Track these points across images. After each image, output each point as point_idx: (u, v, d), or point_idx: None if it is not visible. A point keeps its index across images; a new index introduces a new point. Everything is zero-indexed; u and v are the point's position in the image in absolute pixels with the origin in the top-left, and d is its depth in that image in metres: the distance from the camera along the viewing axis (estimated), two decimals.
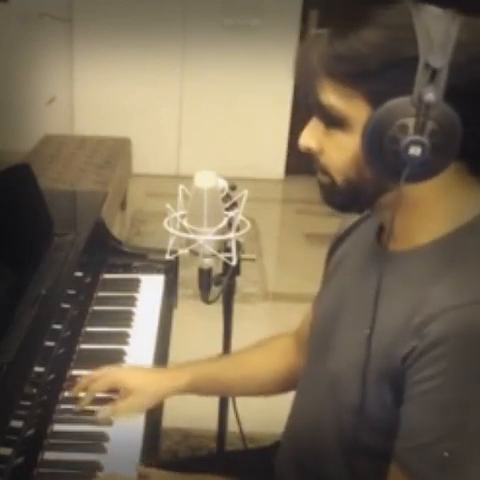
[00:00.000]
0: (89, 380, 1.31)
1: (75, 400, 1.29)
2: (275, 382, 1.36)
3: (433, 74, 0.86)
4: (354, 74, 0.89)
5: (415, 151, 0.87)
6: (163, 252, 1.40)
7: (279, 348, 1.37)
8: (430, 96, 0.86)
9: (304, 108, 1.01)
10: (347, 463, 1.07)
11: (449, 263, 0.94)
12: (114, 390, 1.30)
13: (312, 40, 0.97)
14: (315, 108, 0.96)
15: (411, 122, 0.87)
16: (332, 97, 0.92)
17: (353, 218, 1.20)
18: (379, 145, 0.89)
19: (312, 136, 0.98)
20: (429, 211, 0.96)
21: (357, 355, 1.00)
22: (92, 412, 1.26)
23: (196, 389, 1.34)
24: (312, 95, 0.95)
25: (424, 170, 0.90)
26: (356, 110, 0.91)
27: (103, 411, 1.26)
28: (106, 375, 1.32)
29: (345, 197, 0.99)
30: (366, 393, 0.98)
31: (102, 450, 1.18)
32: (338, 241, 1.22)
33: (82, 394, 1.30)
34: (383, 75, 0.88)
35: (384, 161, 0.90)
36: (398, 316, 0.94)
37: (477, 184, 0.98)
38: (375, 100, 0.89)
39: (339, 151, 0.95)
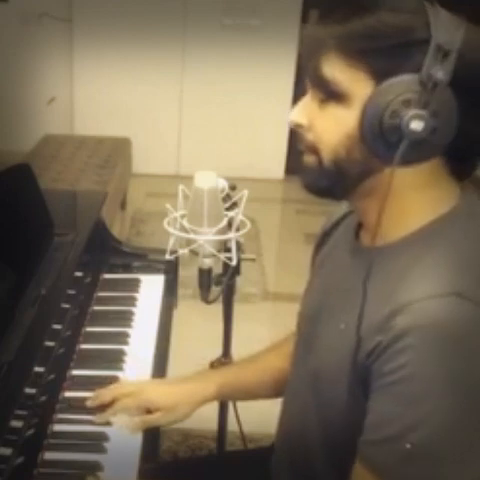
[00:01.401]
0: (112, 396, 1.28)
1: (71, 400, 1.29)
2: (284, 384, 1.35)
3: (443, 57, 0.87)
4: (365, 50, 0.90)
5: (417, 125, 0.88)
6: (163, 252, 1.39)
7: (287, 349, 1.37)
8: (440, 74, 0.87)
9: (303, 88, 1.01)
10: (331, 460, 1.07)
11: (417, 257, 0.94)
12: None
13: (323, 17, 0.97)
14: (314, 82, 0.97)
15: (415, 98, 0.88)
16: (337, 70, 0.93)
17: (338, 214, 1.20)
18: (380, 119, 0.90)
19: (303, 112, 0.99)
20: (405, 205, 0.97)
21: (334, 351, 1.01)
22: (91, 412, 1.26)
23: (223, 396, 1.35)
24: (314, 69, 0.95)
25: (418, 151, 0.90)
26: (359, 85, 0.92)
27: (134, 425, 1.24)
28: (134, 394, 1.28)
29: (328, 179, 0.98)
30: (341, 391, 0.99)
31: (102, 450, 1.18)
32: (323, 238, 1.23)
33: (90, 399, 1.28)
34: (393, 54, 0.89)
35: (382, 135, 0.90)
36: (367, 312, 0.94)
37: (450, 180, 0.99)
38: (380, 77, 0.90)
39: (333, 125, 0.95)
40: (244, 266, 1.45)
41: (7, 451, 1.08)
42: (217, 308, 1.52)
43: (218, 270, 1.43)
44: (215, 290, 1.42)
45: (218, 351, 1.59)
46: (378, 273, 0.95)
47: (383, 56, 0.90)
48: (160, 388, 1.32)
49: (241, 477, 1.38)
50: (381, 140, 0.91)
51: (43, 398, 1.24)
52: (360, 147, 0.94)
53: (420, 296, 0.89)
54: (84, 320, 1.54)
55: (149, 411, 1.28)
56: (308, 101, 0.99)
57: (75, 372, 1.38)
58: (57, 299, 1.41)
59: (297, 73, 4.68)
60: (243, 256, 1.41)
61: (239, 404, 1.55)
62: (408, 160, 0.91)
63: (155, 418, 1.27)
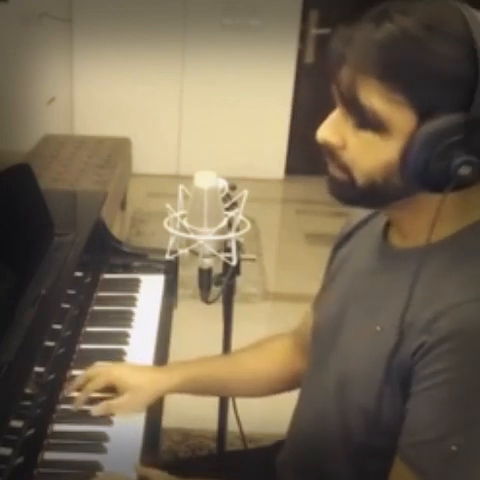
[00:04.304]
0: (85, 379, 1.31)
1: (71, 400, 1.29)
2: (271, 383, 1.36)
3: None
4: (409, 83, 0.86)
5: (464, 170, 0.87)
6: (163, 252, 1.39)
7: (276, 349, 1.37)
8: None
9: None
10: (351, 464, 1.07)
11: (457, 260, 0.94)
12: (111, 389, 1.30)
13: (352, 30, 0.91)
14: (349, 105, 0.92)
15: (464, 141, 0.86)
16: (376, 99, 0.88)
17: (359, 216, 1.18)
18: (427, 158, 0.87)
19: (335, 130, 0.95)
20: (442, 210, 0.94)
21: (367, 354, 1.00)
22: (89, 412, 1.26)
23: (192, 388, 1.33)
24: (349, 92, 0.90)
25: (462, 184, 0.90)
26: (401, 117, 0.88)
27: (99, 407, 1.26)
28: (102, 373, 1.31)
29: (361, 196, 0.97)
30: (372, 394, 0.98)
31: (102, 450, 1.18)
32: (343, 239, 1.21)
33: (76, 393, 1.29)
34: (440, 88, 0.86)
35: (428, 174, 0.88)
36: (410, 313, 0.93)
37: None
38: (424, 111, 0.87)
39: (370, 154, 0.92)
40: (244, 266, 1.45)
41: (7, 451, 1.08)
42: (217, 308, 1.52)
43: (218, 270, 1.43)
44: (215, 290, 1.42)
45: (218, 351, 1.59)
46: (419, 274, 0.93)
47: (430, 90, 0.86)
48: (128, 369, 1.34)
49: (241, 477, 1.38)
50: (426, 177, 0.89)
51: (43, 398, 1.24)
52: (399, 175, 0.91)
53: (464, 299, 0.89)
54: (84, 320, 1.54)
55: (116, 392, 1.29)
56: (339, 118, 0.95)
57: (75, 372, 1.38)
58: (57, 299, 1.41)
59: (297, 73, 4.68)
60: (243, 256, 1.41)
61: (239, 404, 1.55)
62: (455, 189, 0.90)
63: (118, 402, 1.27)
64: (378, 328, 0.99)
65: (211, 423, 1.70)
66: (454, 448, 0.88)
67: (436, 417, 0.90)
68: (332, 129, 0.95)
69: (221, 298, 1.49)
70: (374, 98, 0.88)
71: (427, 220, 0.94)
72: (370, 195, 0.96)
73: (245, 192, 1.36)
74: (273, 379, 1.35)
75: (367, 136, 0.92)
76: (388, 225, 1.07)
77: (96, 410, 1.26)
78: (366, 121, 0.90)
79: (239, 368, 1.36)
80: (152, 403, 1.29)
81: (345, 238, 1.21)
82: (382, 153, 0.91)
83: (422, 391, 0.91)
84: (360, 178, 0.95)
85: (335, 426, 1.08)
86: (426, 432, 0.91)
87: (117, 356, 1.44)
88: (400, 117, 0.88)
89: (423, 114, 0.87)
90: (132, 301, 1.66)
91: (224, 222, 1.33)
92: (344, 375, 1.05)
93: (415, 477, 0.92)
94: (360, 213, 1.18)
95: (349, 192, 0.98)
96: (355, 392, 1.03)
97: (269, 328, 3.15)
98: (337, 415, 1.08)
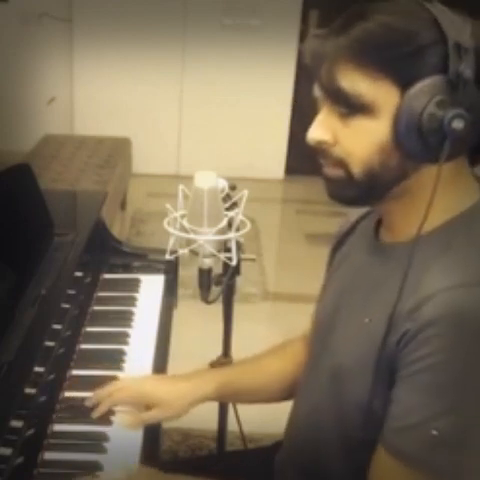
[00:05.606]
0: (113, 389, 1.28)
1: (71, 400, 1.29)
2: (290, 386, 1.33)
3: (463, 54, 0.88)
4: (380, 59, 0.90)
5: (458, 124, 0.89)
6: (163, 252, 1.39)
7: (291, 352, 1.37)
8: (467, 73, 0.88)
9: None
10: (347, 459, 1.07)
11: (441, 250, 0.95)
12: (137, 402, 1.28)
13: (322, 32, 0.97)
14: (333, 96, 0.95)
15: (449, 98, 0.89)
16: (357, 83, 0.92)
17: (355, 216, 1.20)
18: (417, 124, 0.90)
19: (325, 127, 0.97)
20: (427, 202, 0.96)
21: (357, 347, 1.01)
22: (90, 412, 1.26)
23: (220, 397, 1.34)
24: (330, 84, 0.94)
25: (459, 146, 0.92)
26: (385, 94, 0.91)
27: (126, 420, 1.24)
28: (131, 386, 1.29)
29: (360, 190, 0.98)
30: (364, 386, 0.99)
31: (102, 450, 1.18)
32: (341, 239, 1.22)
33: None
34: (412, 59, 0.90)
35: (422, 139, 0.91)
36: (392, 305, 0.94)
37: (471, 175, 1.00)
38: (405, 84, 0.90)
39: (362, 138, 0.94)
40: (244, 266, 1.45)
41: (7, 451, 1.08)
42: (217, 308, 1.52)
43: (218, 270, 1.43)
44: (215, 290, 1.42)
45: (218, 351, 1.59)
46: (401, 267, 0.95)
47: (402, 62, 0.90)
48: (159, 383, 1.32)
49: (241, 477, 1.38)
50: (421, 144, 0.91)
51: (43, 398, 1.24)
52: (395, 154, 0.94)
53: (446, 285, 0.90)
54: (84, 320, 1.54)
55: (148, 407, 1.27)
56: (326, 116, 0.97)
57: (75, 372, 1.38)
58: (57, 299, 1.41)
59: (297, 73, 4.68)
60: (243, 256, 1.42)
61: (239, 404, 1.55)
62: (449, 157, 0.92)
63: (153, 414, 1.26)
64: (366, 320, 1.01)
65: (211, 423, 1.71)
66: (435, 432, 0.88)
67: (418, 402, 0.91)
68: (322, 128, 0.97)
69: (221, 298, 1.49)
70: (356, 82, 0.92)
71: (420, 209, 0.95)
72: (369, 186, 0.97)
73: (245, 192, 1.36)
74: (290, 381, 1.34)
75: (357, 122, 0.94)
76: (379, 223, 1.09)
77: (130, 425, 1.23)
78: (353, 106, 0.93)
79: (260, 373, 1.36)
80: (185, 414, 1.28)
81: (343, 237, 1.22)
82: (375, 136, 0.93)
83: (405, 377, 0.92)
84: (357, 169, 0.96)
85: (330, 421, 1.09)
86: (408, 417, 0.91)
87: (117, 356, 1.44)
88: (384, 94, 0.91)
89: (405, 86, 0.90)
90: (132, 301, 1.66)
91: (224, 222, 1.33)
92: (337, 370, 1.06)
93: (396, 463, 0.93)
94: (356, 212, 1.19)
95: (348, 189, 0.99)
96: (348, 387, 1.04)
97: (269, 328, 3.15)
98: (332, 410, 1.08)
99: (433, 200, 0.93)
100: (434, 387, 0.89)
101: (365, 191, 0.98)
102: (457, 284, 0.90)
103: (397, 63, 0.90)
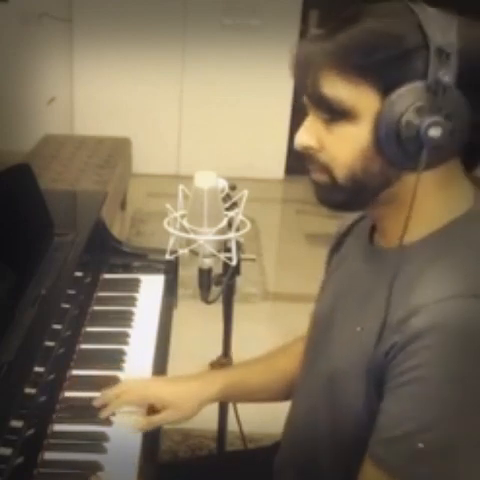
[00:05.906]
0: (121, 390, 1.28)
1: (71, 400, 1.29)
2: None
3: (444, 59, 0.87)
4: (365, 65, 0.90)
5: (435, 132, 0.88)
6: (163, 252, 1.39)
7: (297, 350, 1.37)
8: (447, 78, 0.87)
9: (303, 107, 1.01)
10: (340, 462, 1.07)
11: (434, 258, 0.94)
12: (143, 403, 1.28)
13: (311, 37, 0.97)
14: (316, 103, 0.96)
15: (428, 105, 0.88)
16: (338, 89, 0.92)
17: (352, 217, 1.19)
18: (395, 130, 0.89)
19: (311, 133, 0.98)
20: (423, 207, 0.96)
21: (350, 354, 1.01)
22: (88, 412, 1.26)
23: (227, 396, 1.34)
24: (313, 90, 0.95)
25: (438, 154, 0.91)
26: (365, 100, 0.91)
27: (138, 423, 1.23)
28: (139, 388, 1.29)
29: (345, 195, 0.98)
30: (356, 393, 0.99)
31: (102, 450, 1.18)
32: (339, 240, 1.22)
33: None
34: (393, 64, 0.89)
35: (400, 146, 0.90)
36: (383, 314, 0.94)
37: (466, 180, 1.00)
38: (385, 89, 0.90)
39: (345, 144, 0.94)
40: (244, 266, 1.45)
41: (7, 451, 1.08)
42: (217, 308, 1.52)
43: (218, 270, 1.43)
44: (215, 290, 1.42)
45: (218, 351, 1.59)
46: (397, 274, 0.95)
47: (384, 68, 0.89)
48: (165, 385, 1.32)
49: (241, 477, 1.38)
50: (400, 151, 0.91)
51: (43, 398, 1.24)
52: (377, 160, 0.93)
53: (437, 297, 0.89)
54: (84, 320, 1.54)
55: (153, 408, 1.27)
56: (312, 122, 0.98)
57: (75, 372, 1.38)
58: (57, 299, 1.41)
59: None
60: (243, 256, 1.41)
61: (239, 404, 1.55)
62: (429, 164, 0.91)
63: (163, 417, 1.26)
64: (358, 329, 1.00)
65: (211, 423, 1.70)
66: (421, 445, 0.88)
67: (405, 414, 0.90)
68: (308, 134, 0.98)
69: (221, 298, 1.49)
70: (337, 88, 0.92)
71: (410, 216, 0.94)
72: (353, 192, 0.97)
73: (245, 192, 1.36)
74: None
75: (340, 128, 0.94)
76: (374, 227, 1.08)
77: (136, 427, 1.23)
78: (335, 112, 0.93)
79: (271, 368, 1.36)
80: (194, 416, 1.28)
81: (341, 238, 1.22)
82: (356, 141, 0.93)
83: (393, 388, 0.91)
84: (340, 175, 0.96)
85: (325, 425, 1.09)
86: (394, 429, 0.91)
87: (117, 356, 1.44)
88: (365, 100, 0.91)
89: (386, 92, 0.90)
90: (132, 301, 1.66)
91: (224, 222, 1.33)
92: (332, 374, 1.06)
93: (382, 475, 0.92)
94: (352, 214, 1.19)
95: (332, 194, 0.99)
96: (342, 391, 1.03)
97: (269, 328, 3.15)
98: (326, 413, 1.08)
99: (413, 208, 0.92)
100: (421, 400, 0.88)
101: (350, 196, 0.98)
102: (449, 295, 0.88)
103: (380, 68, 0.89)
